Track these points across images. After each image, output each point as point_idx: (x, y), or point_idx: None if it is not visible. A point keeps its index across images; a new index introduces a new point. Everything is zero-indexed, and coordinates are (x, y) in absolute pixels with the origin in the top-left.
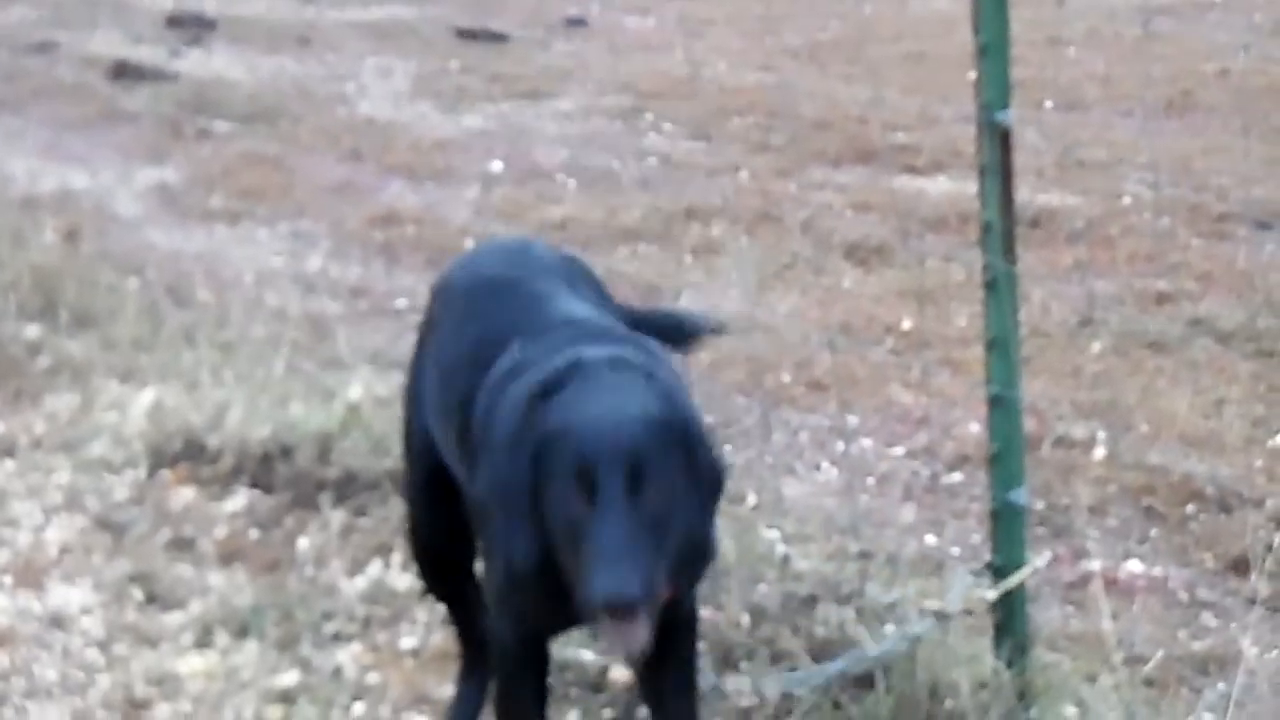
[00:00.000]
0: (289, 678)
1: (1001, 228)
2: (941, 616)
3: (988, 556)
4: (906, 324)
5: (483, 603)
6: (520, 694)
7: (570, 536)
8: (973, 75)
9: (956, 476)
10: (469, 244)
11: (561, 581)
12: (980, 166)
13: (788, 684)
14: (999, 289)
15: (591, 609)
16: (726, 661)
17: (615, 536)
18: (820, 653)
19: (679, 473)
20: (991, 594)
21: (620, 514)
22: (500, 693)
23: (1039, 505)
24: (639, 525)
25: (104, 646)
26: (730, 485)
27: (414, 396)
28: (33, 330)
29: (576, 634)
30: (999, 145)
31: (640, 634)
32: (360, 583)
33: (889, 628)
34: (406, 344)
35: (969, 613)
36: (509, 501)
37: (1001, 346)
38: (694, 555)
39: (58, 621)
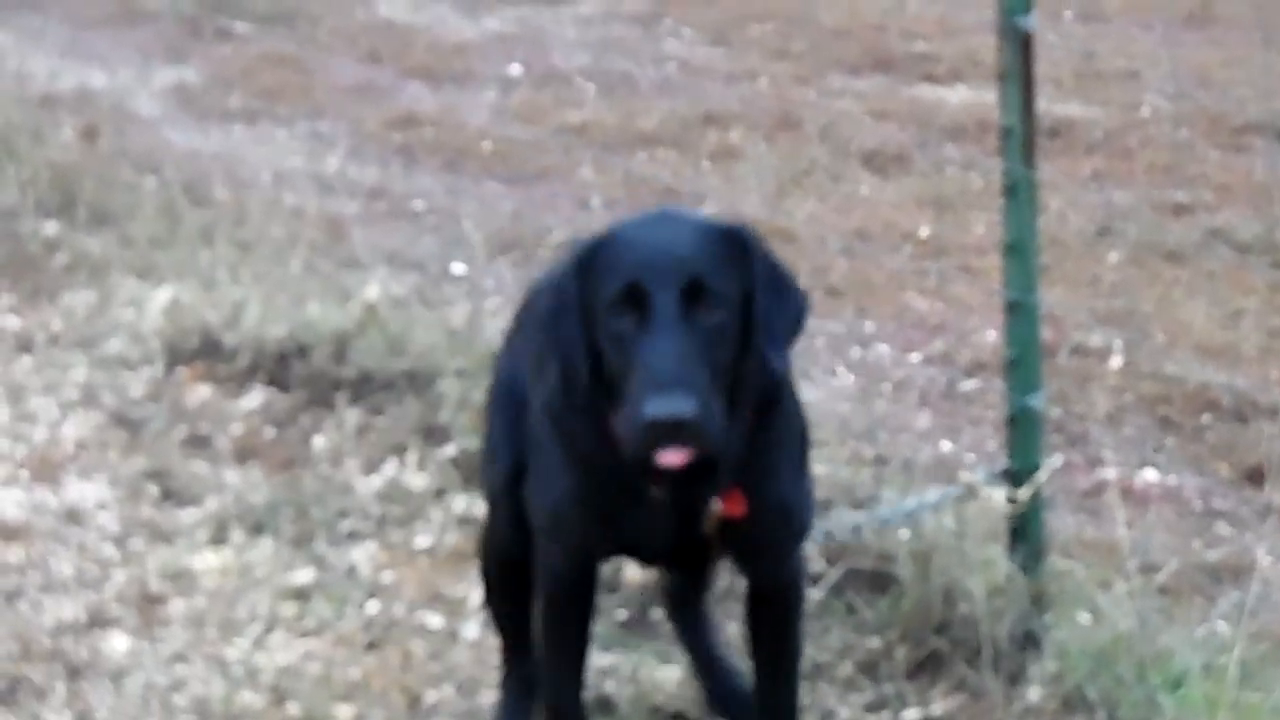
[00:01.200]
0: (304, 575)
1: (1021, 133)
2: (969, 490)
3: (1003, 463)
4: (924, 231)
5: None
6: (566, 619)
7: (620, 361)
8: None
9: (973, 383)
10: (487, 146)
11: (606, 492)
12: (1000, 72)
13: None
14: (1018, 194)
15: (639, 432)
16: None
17: (667, 354)
18: (835, 557)
19: (741, 291)
20: (1022, 493)
21: (672, 331)
22: (546, 618)
23: (1055, 413)
24: (694, 343)
25: (119, 542)
26: None
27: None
28: (51, 227)
29: None
30: (1020, 50)
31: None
32: (375, 481)
33: (903, 532)
34: (423, 245)
35: (998, 500)
36: (559, 327)
37: (1020, 251)
38: (781, 516)
39: (74, 516)
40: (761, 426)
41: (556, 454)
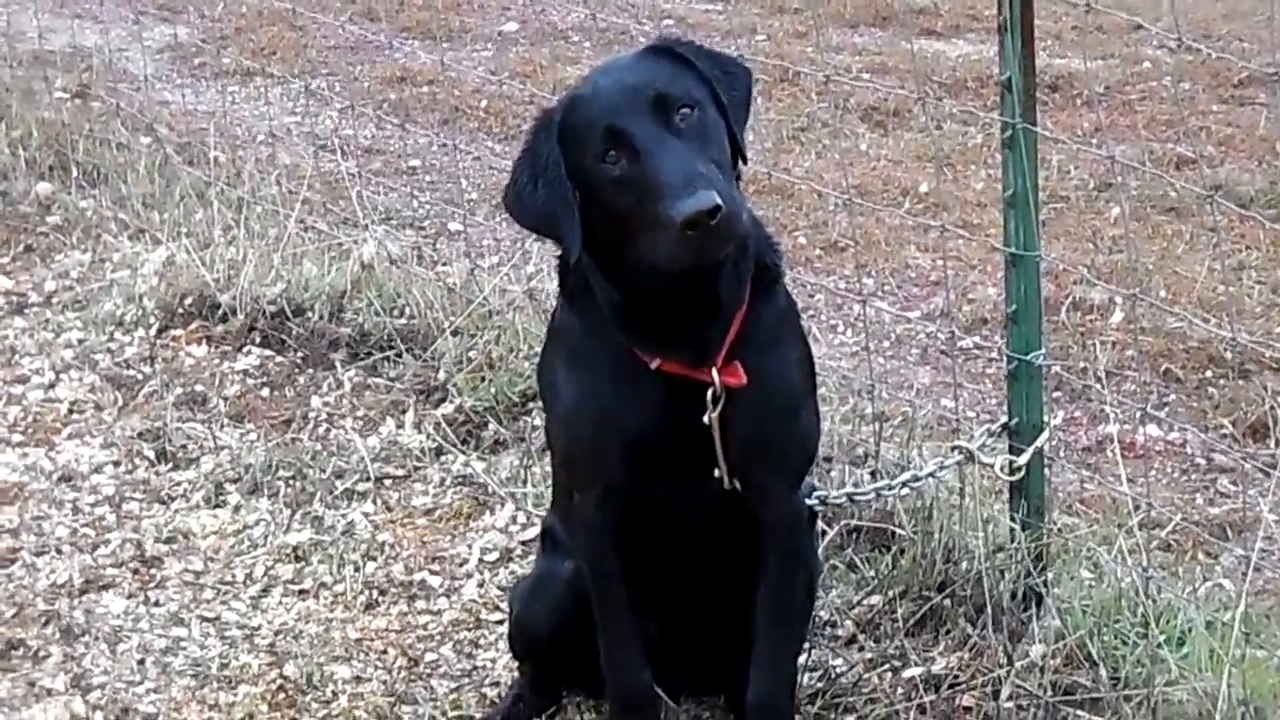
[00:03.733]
0: (301, 535)
1: (1022, 85)
2: (968, 456)
3: (1004, 420)
4: (924, 187)
5: None
6: (611, 569)
7: (628, 200)
8: None
9: (973, 340)
10: (483, 104)
11: (611, 382)
12: (1000, 24)
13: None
14: (1018, 146)
15: (678, 238)
16: None
17: (670, 164)
18: (835, 515)
19: (703, 86)
20: (1024, 456)
21: (664, 144)
22: (594, 586)
23: (1056, 369)
24: (687, 146)
25: (115, 504)
26: None
27: None
28: (44, 187)
29: None
30: (1020, 1)
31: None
32: (373, 441)
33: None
34: (419, 203)
35: (992, 465)
36: (548, 199)
37: (1020, 205)
38: (783, 405)
39: (68, 478)
40: (758, 302)
41: (560, 374)
